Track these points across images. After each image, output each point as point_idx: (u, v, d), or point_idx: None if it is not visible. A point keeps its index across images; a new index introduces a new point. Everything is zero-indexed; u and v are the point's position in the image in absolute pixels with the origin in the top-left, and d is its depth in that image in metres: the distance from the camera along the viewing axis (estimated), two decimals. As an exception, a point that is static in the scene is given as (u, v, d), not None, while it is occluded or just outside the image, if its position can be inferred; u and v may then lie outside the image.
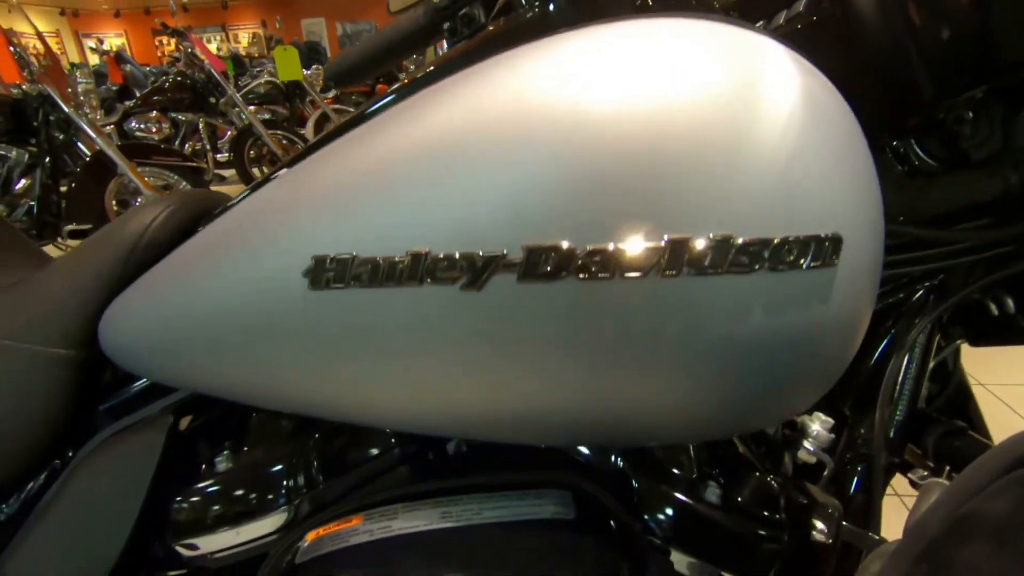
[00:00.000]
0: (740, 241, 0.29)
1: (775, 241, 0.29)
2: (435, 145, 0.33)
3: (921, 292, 0.53)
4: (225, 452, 0.47)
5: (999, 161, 0.47)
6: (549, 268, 0.30)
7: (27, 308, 0.48)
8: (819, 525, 0.47)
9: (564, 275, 0.30)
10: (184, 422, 0.51)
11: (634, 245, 0.29)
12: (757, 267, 0.30)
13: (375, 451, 0.44)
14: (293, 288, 0.35)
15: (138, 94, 4.92)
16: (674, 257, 0.29)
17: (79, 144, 3.33)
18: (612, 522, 0.39)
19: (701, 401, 0.34)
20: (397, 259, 0.32)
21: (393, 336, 0.34)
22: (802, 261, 0.30)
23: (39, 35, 3.37)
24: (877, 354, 0.54)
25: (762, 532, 0.44)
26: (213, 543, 0.45)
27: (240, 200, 0.45)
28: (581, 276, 0.30)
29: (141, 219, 0.51)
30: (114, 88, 6.51)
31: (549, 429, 0.38)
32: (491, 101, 0.32)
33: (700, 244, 0.29)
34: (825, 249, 0.30)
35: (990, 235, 0.47)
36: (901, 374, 0.52)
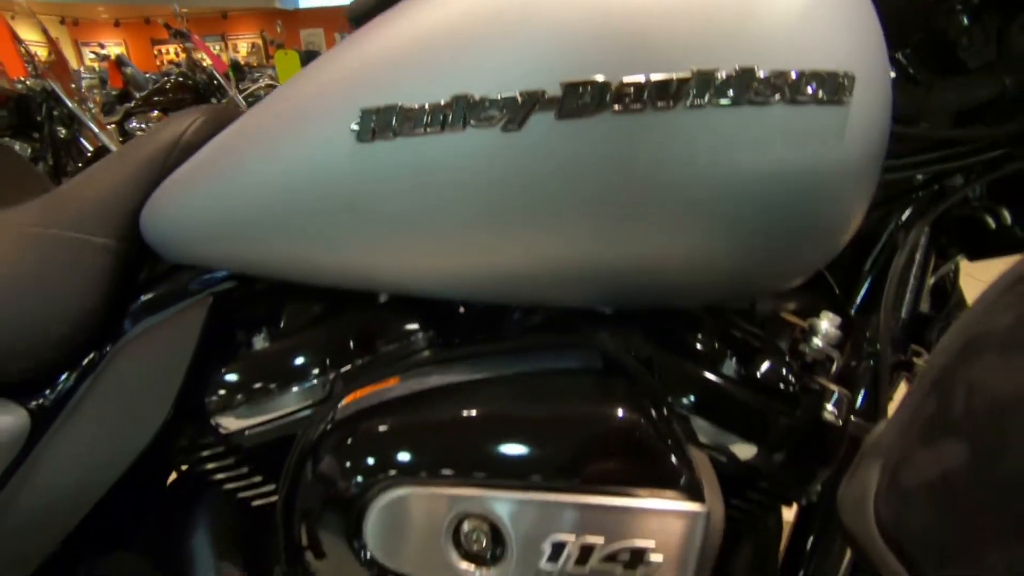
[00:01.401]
0: (762, 73, 0.32)
1: (794, 74, 0.32)
2: None
3: (922, 197, 0.56)
4: (262, 333, 0.49)
5: (994, 67, 0.50)
6: (586, 101, 0.33)
7: (71, 201, 0.50)
8: (829, 407, 0.49)
9: (600, 109, 0.33)
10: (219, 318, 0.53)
11: (664, 76, 0.32)
12: (777, 98, 0.32)
13: (408, 326, 0.46)
14: (341, 145, 0.38)
15: (139, 96, 4.95)
16: (701, 88, 0.32)
17: (82, 140, 3.35)
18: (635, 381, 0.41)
19: (726, 248, 0.37)
20: (442, 103, 0.35)
21: (438, 186, 0.37)
22: (820, 93, 0.32)
23: (45, 31, 3.40)
24: (882, 258, 0.57)
25: (777, 405, 0.46)
26: (250, 417, 0.47)
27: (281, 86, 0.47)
28: (616, 109, 0.33)
29: (177, 125, 0.53)
30: (114, 92, 6.55)
31: (583, 286, 0.40)
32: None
33: (724, 75, 0.32)
34: (840, 85, 0.33)
35: (986, 133, 0.50)
36: (902, 275, 0.55)
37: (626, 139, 0.33)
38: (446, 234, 0.39)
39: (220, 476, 0.51)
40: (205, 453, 0.50)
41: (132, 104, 4.77)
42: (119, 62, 6.94)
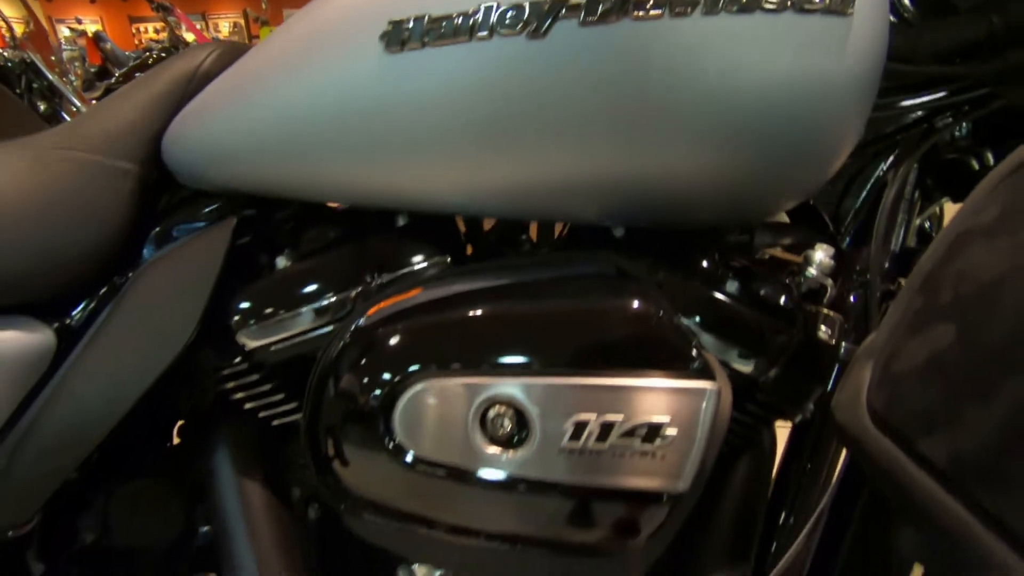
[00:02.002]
0: (772, -19, 0.34)
1: None
2: None
3: (911, 136, 0.59)
4: (284, 254, 0.50)
5: (983, 7, 0.52)
6: (608, 7, 0.35)
7: (94, 125, 0.51)
8: (823, 328, 0.53)
9: (621, 15, 0.35)
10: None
11: (683, -19, 0.34)
12: (788, 5, 0.34)
13: (427, 248, 0.48)
14: (369, 58, 0.39)
15: (118, 73, 4.84)
16: (717, -7, 0.34)
17: (63, 114, 3.28)
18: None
19: (736, 159, 0.39)
20: (470, 11, 0.36)
21: (464, 96, 0.38)
22: (827, 1, 0.35)
23: (25, 3, 3.31)
24: (872, 195, 0.60)
25: (775, 323, 0.49)
26: (274, 334, 0.49)
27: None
28: (636, 15, 0.35)
29: (194, 57, 0.54)
30: (93, 69, 6.38)
31: (598, 199, 0.42)
32: None
33: (739, -18, 0.34)
34: (844, -3, 0.35)
35: (972, 71, 0.53)
36: (891, 210, 0.58)
37: (644, 46, 0.35)
38: (470, 146, 0.40)
39: (242, 395, 0.52)
40: (228, 372, 0.51)
41: (112, 80, 4.66)
42: (97, 38, 6.75)
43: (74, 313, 0.52)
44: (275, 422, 0.54)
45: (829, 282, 0.56)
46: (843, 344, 0.54)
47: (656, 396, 0.35)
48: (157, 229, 0.53)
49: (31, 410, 0.50)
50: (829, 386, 0.55)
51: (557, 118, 0.38)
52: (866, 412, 0.40)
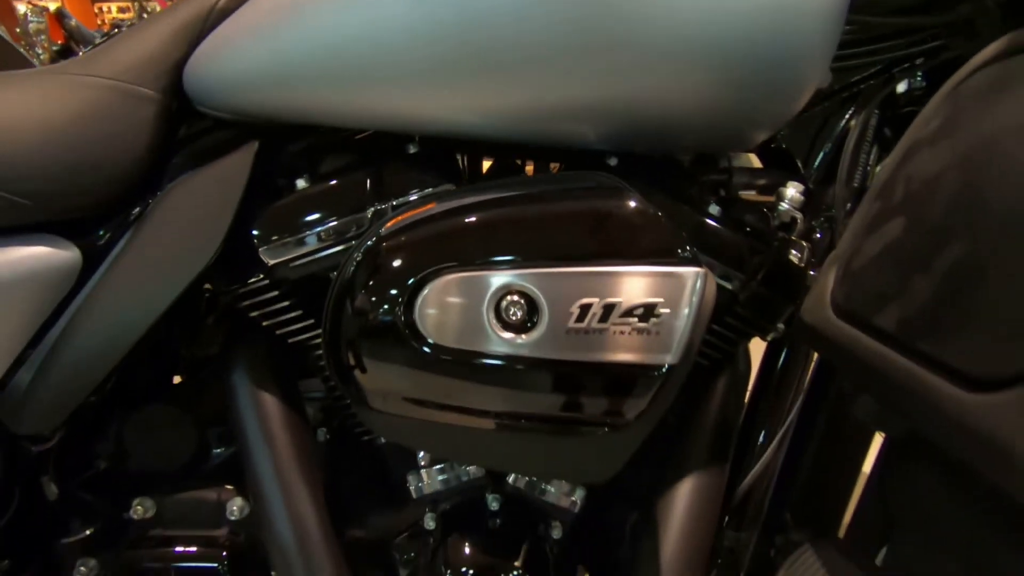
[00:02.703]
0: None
1: None
2: None
3: (872, 86, 0.65)
4: (303, 177, 0.54)
5: None
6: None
7: (119, 53, 0.54)
8: (794, 253, 0.59)
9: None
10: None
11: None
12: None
13: (438, 172, 0.52)
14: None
15: (83, 52, 4.70)
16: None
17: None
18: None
19: (713, 84, 0.44)
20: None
21: (487, 19, 0.42)
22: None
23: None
24: (837, 139, 0.66)
25: (753, 244, 0.55)
26: (295, 248, 0.52)
27: None
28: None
29: None
30: (56, 48, 6.16)
31: (592, 123, 0.47)
32: None
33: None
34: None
35: (927, 22, 0.59)
36: (854, 151, 0.64)
37: None
38: (481, 70, 0.45)
39: (261, 312, 0.56)
40: (249, 289, 0.55)
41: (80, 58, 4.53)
42: (59, 15, 6.52)
43: (100, 232, 0.54)
44: (291, 339, 0.57)
45: (799, 216, 0.61)
46: (810, 271, 0.60)
47: (650, 280, 0.40)
48: (178, 157, 0.56)
49: (59, 323, 0.53)
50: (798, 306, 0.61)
51: (553, 45, 0.43)
52: (829, 308, 0.45)
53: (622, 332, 0.40)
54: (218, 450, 0.66)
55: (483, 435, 0.47)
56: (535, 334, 0.42)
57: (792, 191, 0.60)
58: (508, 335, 0.42)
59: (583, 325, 0.41)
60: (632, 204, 0.42)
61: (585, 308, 0.41)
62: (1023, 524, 0.40)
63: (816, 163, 0.68)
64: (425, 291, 0.43)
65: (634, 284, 0.40)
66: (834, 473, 0.64)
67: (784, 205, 0.60)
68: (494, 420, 0.45)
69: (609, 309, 0.40)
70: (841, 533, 0.63)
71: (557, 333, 0.41)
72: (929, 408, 0.33)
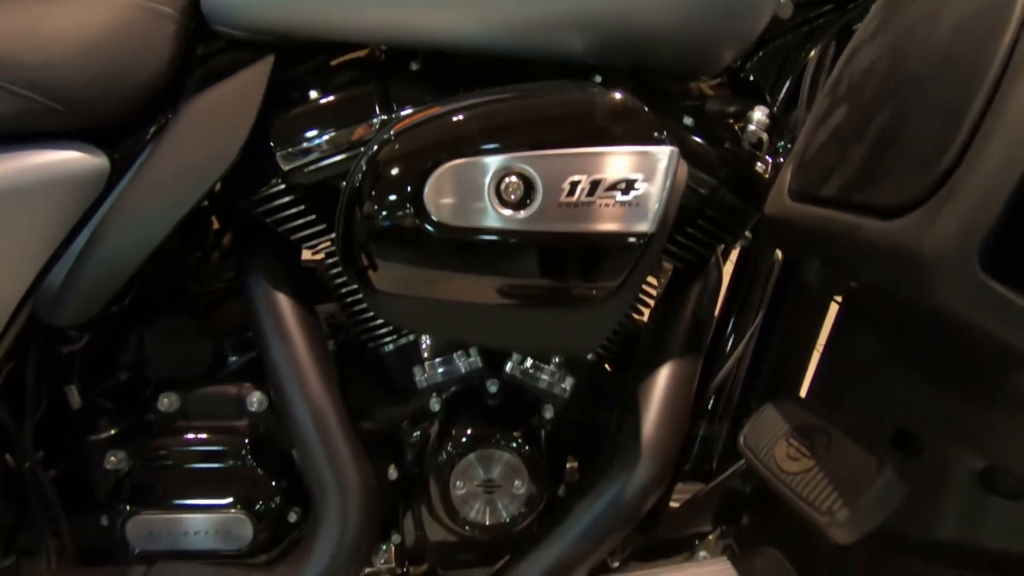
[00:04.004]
0: None
1: None
2: None
3: (829, 20, 0.71)
4: (316, 89, 0.59)
5: None
6: None
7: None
8: (759, 166, 0.65)
9: None
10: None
11: None
12: None
13: (437, 88, 0.58)
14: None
15: None
16: None
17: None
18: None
19: (683, 7, 0.51)
20: None
21: None
22: None
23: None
24: (799, 68, 0.73)
25: (725, 153, 0.62)
26: (310, 153, 0.57)
27: None
28: None
29: None
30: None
31: (579, 34, 0.53)
32: None
33: None
34: None
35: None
36: (814, 76, 0.71)
37: None
38: None
39: (276, 218, 0.61)
40: (266, 194, 0.60)
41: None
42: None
43: (126, 141, 0.59)
44: (305, 244, 0.63)
45: (765, 136, 0.68)
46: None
47: (630, 158, 0.46)
48: (196, 72, 0.60)
49: (91, 224, 0.57)
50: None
51: None
52: (786, 196, 0.52)
53: (607, 204, 0.47)
54: (233, 358, 0.71)
55: (482, 311, 0.53)
56: (531, 209, 0.48)
57: (759, 114, 0.66)
58: (507, 212, 0.48)
59: (573, 199, 0.47)
60: (615, 96, 0.48)
61: (575, 184, 0.47)
62: (944, 376, 0.47)
63: (781, 93, 0.75)
64: (432, 177, 0.49)
65: (617, 162, 0.46)
66: (793, 364, 0.72)
67: (751, 127, 0.67)
68: (493, 294, 0.51)
69: (595, 184, 0.46)
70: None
71: (550, 208, 0.47)
72: (859, 245, 0.40)
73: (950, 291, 0.33)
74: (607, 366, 0.74)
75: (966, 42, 0.36)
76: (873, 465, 0.42)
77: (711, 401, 0.72)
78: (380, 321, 0.66)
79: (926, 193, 0.35)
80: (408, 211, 0.50)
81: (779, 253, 0.70)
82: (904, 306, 0.44)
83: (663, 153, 0.47)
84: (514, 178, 0.48)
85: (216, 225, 0.76)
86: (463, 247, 0.50)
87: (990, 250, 0.32)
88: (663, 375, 0.66)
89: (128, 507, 0.61)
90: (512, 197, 0.48)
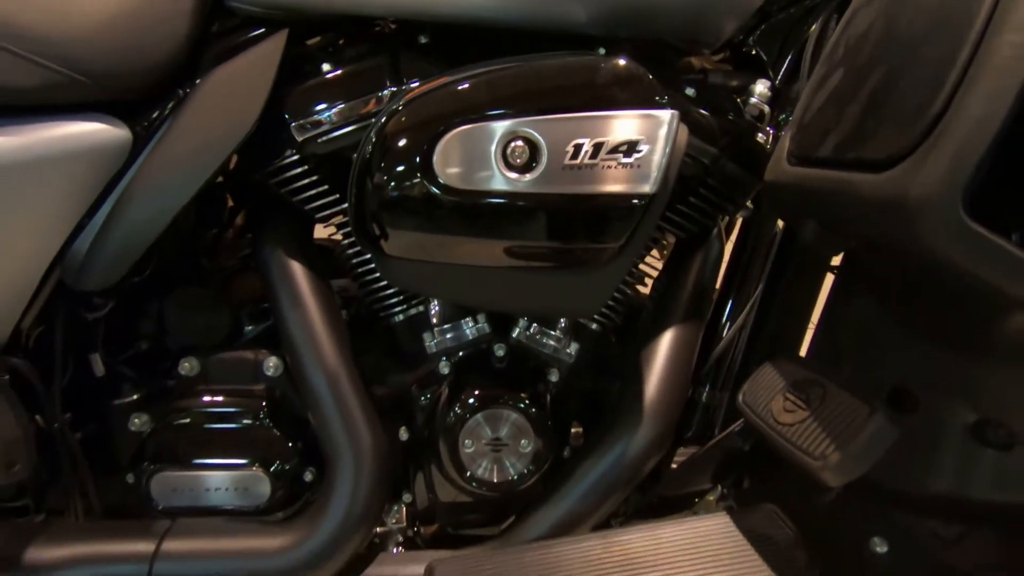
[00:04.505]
0: None
1: None
2: None
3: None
4: (329, 62, 0.61)
5: None
6: None
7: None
8: (760, 136, 0.67)
9: None
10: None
11: None
12: None
13: (444, 61, 0.60)
14: None
15: None
16: None
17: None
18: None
19: None
20: None
21: None
22: None
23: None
24: (800, 42, 0.74)
25: (726, 123, 0.63)
26: (323, 124, 0.60)
27: None
28: None
29: None
30: None
31: (588, 5, 0.54)
32: None
33: None
34: None
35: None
36: (815, 48, 0.72)
37: None
38: None
39: (291, 188, 0.63)
40: (281, 164, 0.62)
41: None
42: None
43: (147, 114, 0.61)
44: (318, 214, 0.65)
45: (767, 108, 0.69)
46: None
47: (633, 121, 0.48)
48: (213, 47, 0.63)
49: (114, 193, 0.60)
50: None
51: None
52: (785, 161, 0.54)
53: (610, 166, 0.48)
54: (249, 328, 0.73)
55: (489, 273, 0.55)
56: (536, 172, 0.50)
57: (761, 87, 0.68)
58: (513, 175, 0.50)
59: (577, 162, 0.49)
60: (618, 61, 0.50)
61: (578, 147, 0.48)
62: (937, 332, 0.49)
63: (784, 66, 0.76)
64: (441, 144, 0.51)
65: (619, 125, 0.48)
66: (791, 331, 0.73)
67: (753, 99, 0.68)
68: (500, 255, 0.53)
69: (599, 147, 0.48)
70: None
71: (555, 170, 0.49)
72: (853, 200, 0.41)
73: (936, 234, 0.35)
74: (611, 338, 0.76)
75: (953, 2, 0.37)
76: (864, 412, 0.43)
77: (713, 369, 0.73)
78: (391, 292, 0.69)
79: (914, 144, 0.36)
80: (418, 177, 0.52)
81: (780, 224, 0.71)
82: (897, 258, 0.45)
83: (664, 116, 0.48)
84: (519, 142, 0.50)
85: (230, 204, 0.79)
86: (471, 210, 0.52)
87: (974, 194, 0.34)
88: (665, 342, 0.68)
89: (152, 466, 0.64)
90: (518, 161, 0.50)
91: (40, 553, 0.57)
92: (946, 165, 0.34)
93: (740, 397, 0.56)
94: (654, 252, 0.75)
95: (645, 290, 0.78)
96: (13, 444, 0.54)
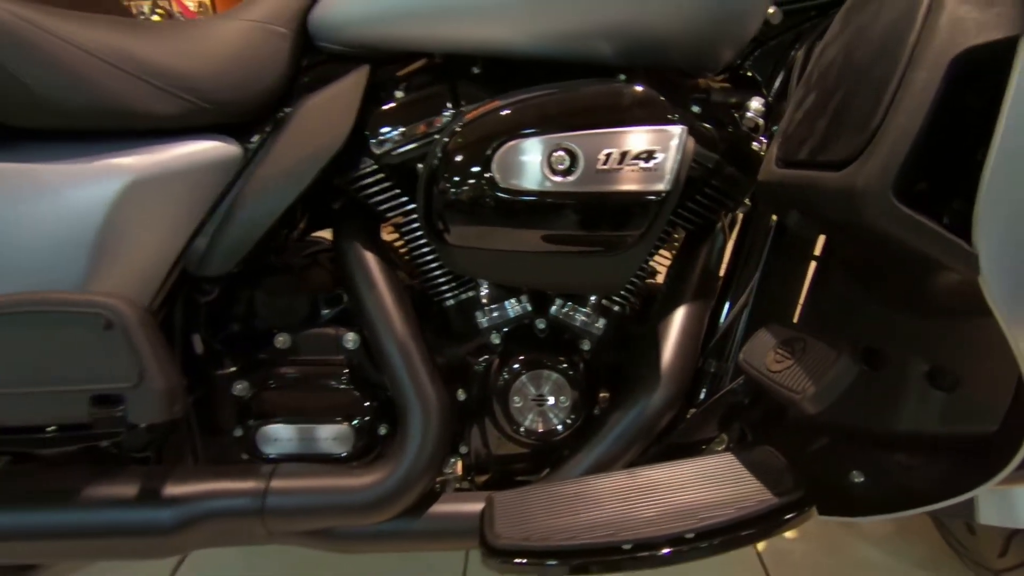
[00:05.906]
0: None
1: None
2: None
3: (815, 22, 0.85)
4: (401, 89, 0.75)
5: None
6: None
7: (264, 3, 0.75)
8: (755, 144, 0.80)
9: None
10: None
11: None
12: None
13: (495, 89, 0.73)
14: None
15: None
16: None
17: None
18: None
19: (688, 12, 0.65)
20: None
21: None
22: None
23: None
24: (791, 62, 0.87)
25: (725, 133, 0.76)
26: (398, 139, 0.73)
27: None
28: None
29: None
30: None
31: (611, 40, 0.68)
32: None
33: None
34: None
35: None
36: (803, 67, 0.85)
37: None
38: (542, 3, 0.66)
39: (369, 193, 0.77)
40: (362, 173, 0.76)
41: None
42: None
43: (253, 134, 0.75)
44: (390, 215, 0.78)
45: (761, 121, 0.82)
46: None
47: (650, 135, 0.62)
48: (304, 79, 0.77)
49: (228, 198, 0.74)
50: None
51: None
52: (773, 163, 0.67)
53: (632, 170, 0.62)
54: (325, 311, 0.87)
55: (534, 257, 0.68)
56: (574, 176, 0.63)
57: (755, 103, 0.81)
58: (557, 178, 0.63)
59: (607, 167, 0.62)
60: (637, 88, 0.64)
61: (608, 155, 0.62)
62: (896, 298, 0.61)
63: (775, 85, 0.89)
64: (498, 154, 0.64)
65: (639, 137, 0.62)
66: (783, 305, 0.85)
67: (749, 114, 0.81)
68: (543, 243, 0.66)
69: (624, 155, 0.62)
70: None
71: (589, 174, 0.63)
72: (821, 192, 0.54)
73: (876, 216, 0.47)
74: (631, 318, 0.89)
75: (890, 39, 0.50)
76: (833, 356, 0.56)
77: (719, 343, 0.86)
78: (444, 280, 0.82)
79: (860, 148, 0.49)
80: (479, 181, 0.65)
81: (774, 218, 0.84)
82: (858, 236, 0.58)
83: (675, 130, 0.62)
84: (561, 152, 0.63)
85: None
86: (522, 207, 0.65)
87: (912, 185, 0.47)
88: (677, 319, 0.80)
89: (256, 421, 0.77)
90: (560, 167, 0.63)
91: (172, 489, 0.71)
92: (881, 164, 0.46)
93: (740, 356, 0.68)
94: (663, 251, 0.88)
95: (655, 283, 0.91)
96: (177, 387, 0.67)
